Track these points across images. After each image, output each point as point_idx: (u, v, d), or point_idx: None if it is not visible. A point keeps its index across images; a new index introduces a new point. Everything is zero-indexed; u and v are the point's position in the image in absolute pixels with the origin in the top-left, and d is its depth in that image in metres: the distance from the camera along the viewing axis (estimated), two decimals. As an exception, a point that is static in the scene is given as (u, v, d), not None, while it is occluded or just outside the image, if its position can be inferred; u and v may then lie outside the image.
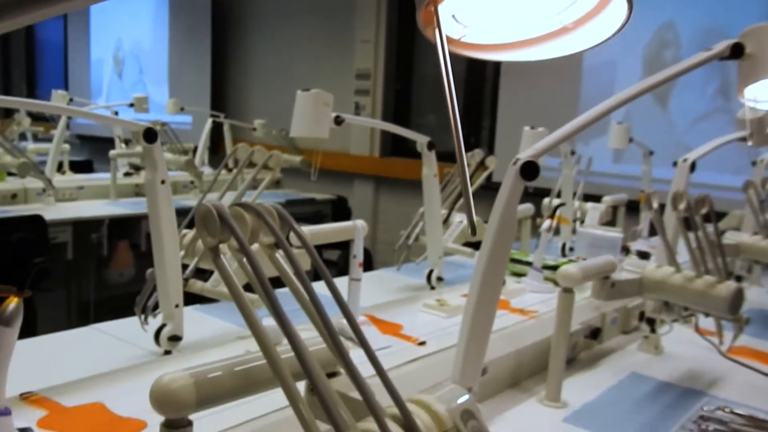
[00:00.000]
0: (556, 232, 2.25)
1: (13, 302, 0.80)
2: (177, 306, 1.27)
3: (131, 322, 1.38)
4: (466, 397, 0.70)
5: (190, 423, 0.64)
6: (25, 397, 0.98)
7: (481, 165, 2.33)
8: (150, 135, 1.21)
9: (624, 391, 1.38)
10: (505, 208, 0.93)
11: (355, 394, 0.70)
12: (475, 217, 0.68)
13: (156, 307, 1.31)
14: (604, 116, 1.01)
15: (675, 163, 1.69)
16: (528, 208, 2.33)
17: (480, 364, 0.93)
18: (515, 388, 1.37)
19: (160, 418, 0.62)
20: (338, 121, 1.61)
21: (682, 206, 1.34)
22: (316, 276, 0.68)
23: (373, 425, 0.61)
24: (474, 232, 0.71)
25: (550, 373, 1.27)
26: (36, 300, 2.89)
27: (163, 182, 1.23)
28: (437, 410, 0.66)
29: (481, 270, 0.89)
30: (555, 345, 1.26)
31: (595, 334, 1.61)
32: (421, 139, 1.80)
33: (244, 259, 0.65)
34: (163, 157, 1.23)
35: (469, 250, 2.04)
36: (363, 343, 0.65)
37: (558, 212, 1.97)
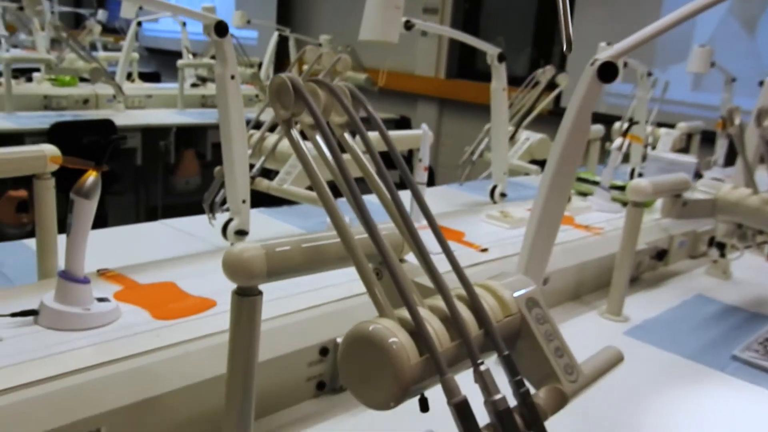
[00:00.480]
0: (625, 158, 2.18)
1: (91, 176, 0.83)
2: (244, 201, 1.29)
3: (199, 219, 1.42)
4: (532, 286, 0.69)
5: (260, 292, 0.65)
6: (102, 273, 1.02)
7: (550, 87, 2.26)
8: (221, 28, 1.20)
9: (688, 310, 1.36)
10: (579, 109, 0.89)
11: (422, 280, 0.71)
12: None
13: (223, 203, 1.34)
14: (693, 16, 0.96)
15: (761, 83, 1.60)
16: (598, 129, 2.26)
17: (544, 266, 0.92)
18: (576, 300, 1.36)
19: (229, 300, 0.64)
20: (408, 26, 1.56)
21: (766, 123, 1.27)
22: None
23: (440, 302, 0.61)
24: (570, 46, 0.67)
25: (613, 286, 1.26)
26: (106, 202, 3.00)
27: (233, 77, 1.23)
28: (503, 295, 0.66)
29: (551, 169, 0.87)
30: (620, 259, 1.24)
31: (661, 255, 1.57)
32: (491, 50, 1.74)
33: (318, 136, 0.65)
34: (233, 52, 1.23)
35: (534, 167, 2.00)
36: (435, 231, 0.64)
37: (630, 132, 1.90)
